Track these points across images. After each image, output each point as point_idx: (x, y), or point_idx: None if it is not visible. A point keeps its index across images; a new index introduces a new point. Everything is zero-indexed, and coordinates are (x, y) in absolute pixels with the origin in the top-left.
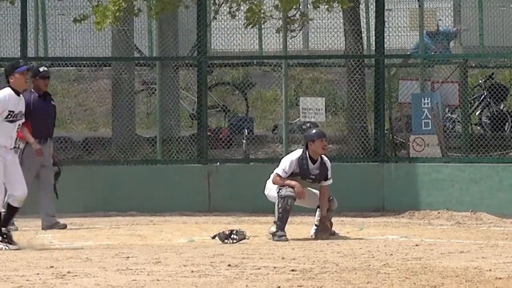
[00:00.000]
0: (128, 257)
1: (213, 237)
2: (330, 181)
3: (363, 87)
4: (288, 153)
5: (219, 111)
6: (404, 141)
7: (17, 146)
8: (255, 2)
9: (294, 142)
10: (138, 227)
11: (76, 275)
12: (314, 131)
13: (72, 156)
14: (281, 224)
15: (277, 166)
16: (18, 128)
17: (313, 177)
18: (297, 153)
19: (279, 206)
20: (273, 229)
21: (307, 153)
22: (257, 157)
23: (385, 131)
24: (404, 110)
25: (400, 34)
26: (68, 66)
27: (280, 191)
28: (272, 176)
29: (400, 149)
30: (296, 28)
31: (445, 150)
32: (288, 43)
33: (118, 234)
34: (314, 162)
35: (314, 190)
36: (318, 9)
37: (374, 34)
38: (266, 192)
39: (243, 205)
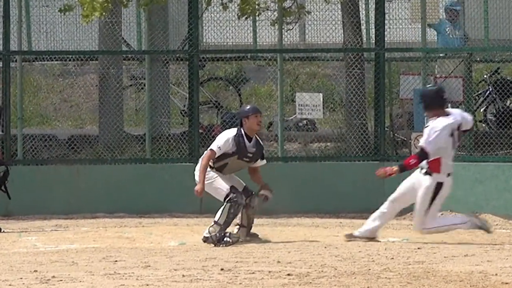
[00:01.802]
0: (116, 261)
1: (205, 240)
2: (264, 162)
3: (363, 82)
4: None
5: (211, 107)
6: (405, 139)
7: None
8: None
9: (290, 140)
10: (127, 229)
11: (61, 280)
12: (248, 107)
13: (57, 155)
14: (225, 228)
15: (212, 143)
16: None
17: (250, 155)
18: (233, 131)
19: (231, 211)
20: (213, 230)
21: (242, 130)
22: None
23: (386, 129)
24: (406, 106)
25: (401, 26)
26: (52, 60)
27: (232, 195)
28: (204, 154)
29: (401, 147)
30: (292, 20)
31: None
32: (283, 36)
33: (105, 237)
34: (250, 140)
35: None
36: (315, 0)
37: (374, 27)
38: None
39: None
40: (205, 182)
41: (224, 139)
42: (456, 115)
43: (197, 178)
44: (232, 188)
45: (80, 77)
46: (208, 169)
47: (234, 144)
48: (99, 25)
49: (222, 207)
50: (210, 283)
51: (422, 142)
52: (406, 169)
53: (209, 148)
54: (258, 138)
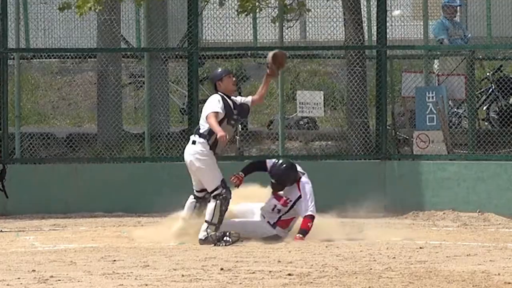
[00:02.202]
0: (114, 260)
1: (203, 241)
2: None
3: (364, 80)
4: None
5: None
6: (407, 137)
7: None
8: None
9: (291, 139)
10: (125, 229)
11: (59, 280)
12: (219, 69)
13: (55, 153)
14: (219, 226)
15: (205, 110)
16: None
17: (235, 117)
18: (215, 95)
19: (223, 208)
20: (210, 231)
21: (221, 93)
22: (251, 154)
23: (387, 127)
24: (408, 104)
25: (403, 23)
26: (51, 58)
27: (222, 190)
28: (206, 120)
29: (403, 146)
30: (293, 17)
31: (450, 147)
32: (284, 33)
33: (104, 236)
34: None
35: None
36: None
37: (375, 24)
38: (198, 164)
39: None
40: (203, 167)
41: (216, 100)
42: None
43: (192, 158)
44: (222, 182)
45: (79, 74)
46: (206, 150)
47: (223, 105)
48: (97, 22)
49: (213, 206)
50: (210, 283)
51: (309, 211)
52: (308, 232)
53: (210, 111)
54: (234, 98)
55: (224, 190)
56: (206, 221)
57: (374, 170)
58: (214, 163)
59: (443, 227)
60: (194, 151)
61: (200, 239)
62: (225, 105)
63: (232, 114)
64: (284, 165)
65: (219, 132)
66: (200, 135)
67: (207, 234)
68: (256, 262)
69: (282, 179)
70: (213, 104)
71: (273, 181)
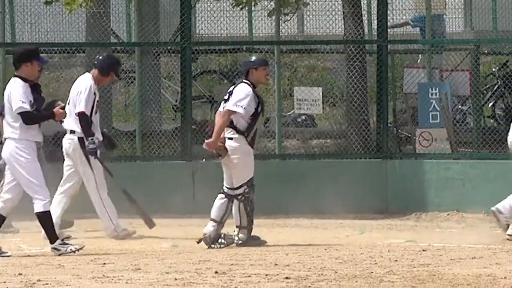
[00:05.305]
0: (104, 263)
1: (199, 241)
2: None
3: (364, 75)
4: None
5: (204, 102)
6: (409, 135)
7: None
8: None
9: (288, 137)
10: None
11: (47, 284)
12: (254, 57)
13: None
14: (251, 227)
15: (228, 101)
16: None
17: (262, 111)
18: (245, 85)
19: (247, 209)
20: (242, 236)
21: (251, 82)
22: None
23: (389, 125)
24: (410, 101)
25: (404, 17)
26: None
27: (245, 190)
28: (220, 115)
29: (405, 144)
30: (290, 10)
31: (455, 145)
32: (281, 27)
33: (93, 238)
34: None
35: None
36: None
37: (376, 17)
38: (234, 159)
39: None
40: (239, 162)
41: (247, 95)
42: None
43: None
44: (249, 181)
45: (67, 70)
46: (244, 145)
47: (256, 99)
48: (86, 15)
49: (236, 209)
50: (204, 286)
51: None
52: None
53: (229, 108)
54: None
55: (247, 190)
56: (236, 226)
57: (375, 170)
58: (251, 160)
59: (447, 229)
60: (230, 147)
61: (237, 244)
62: (259, 98)
63: (263, 107)
64: None
65: (214, 138)
66: (238, 132)
67: (240, 240)
68: (252, 265)
69: None
70: (243, 99)
71: None
